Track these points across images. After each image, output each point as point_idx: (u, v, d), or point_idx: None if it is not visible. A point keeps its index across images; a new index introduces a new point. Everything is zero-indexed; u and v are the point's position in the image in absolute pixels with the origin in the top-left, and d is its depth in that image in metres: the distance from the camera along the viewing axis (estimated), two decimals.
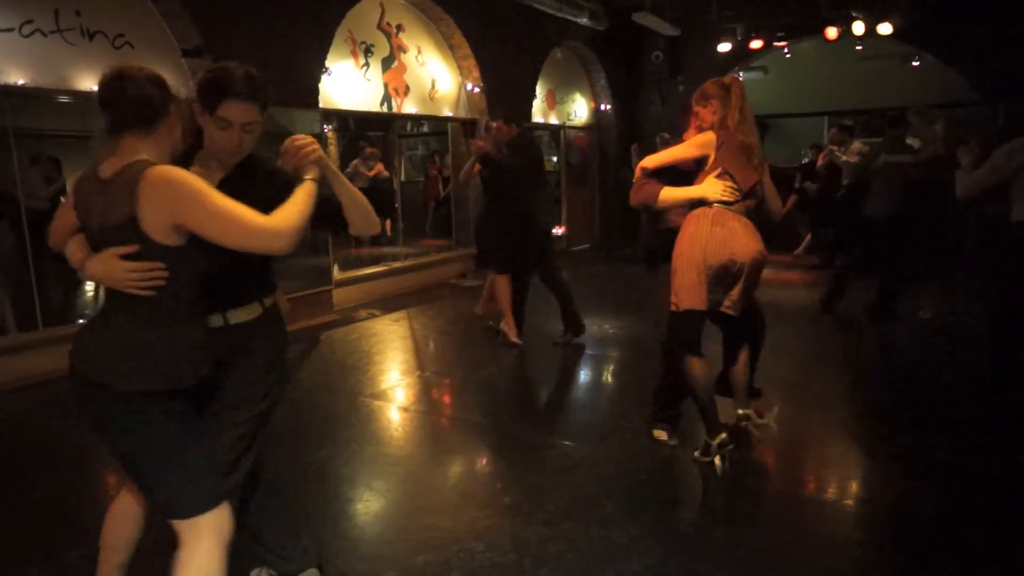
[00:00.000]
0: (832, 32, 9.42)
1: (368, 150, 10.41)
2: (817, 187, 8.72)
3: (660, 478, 3.26)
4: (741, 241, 3.08)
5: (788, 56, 11.26)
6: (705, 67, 11.23)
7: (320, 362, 5.45)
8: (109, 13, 5.32)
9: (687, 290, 3.10)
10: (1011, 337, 4.07)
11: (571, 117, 11.32)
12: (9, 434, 4.08)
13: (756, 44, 10.20)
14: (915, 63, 10.87)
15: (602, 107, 11.75)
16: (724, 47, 10.31)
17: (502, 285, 5.47)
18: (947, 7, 8.96)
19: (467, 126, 8.99)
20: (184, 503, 1.75)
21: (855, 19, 9.22)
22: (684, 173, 3.25)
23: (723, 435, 3.19)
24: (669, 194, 3.19)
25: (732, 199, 3.09)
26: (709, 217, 3.09)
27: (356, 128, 11.86)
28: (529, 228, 5.34)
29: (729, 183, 3.08)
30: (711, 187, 3.09)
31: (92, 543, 2.78)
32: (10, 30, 4.79)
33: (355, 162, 10.34)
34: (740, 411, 3.63)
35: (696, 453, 3.34)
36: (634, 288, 8.10)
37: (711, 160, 3.14)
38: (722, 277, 3.12)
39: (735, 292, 3.18)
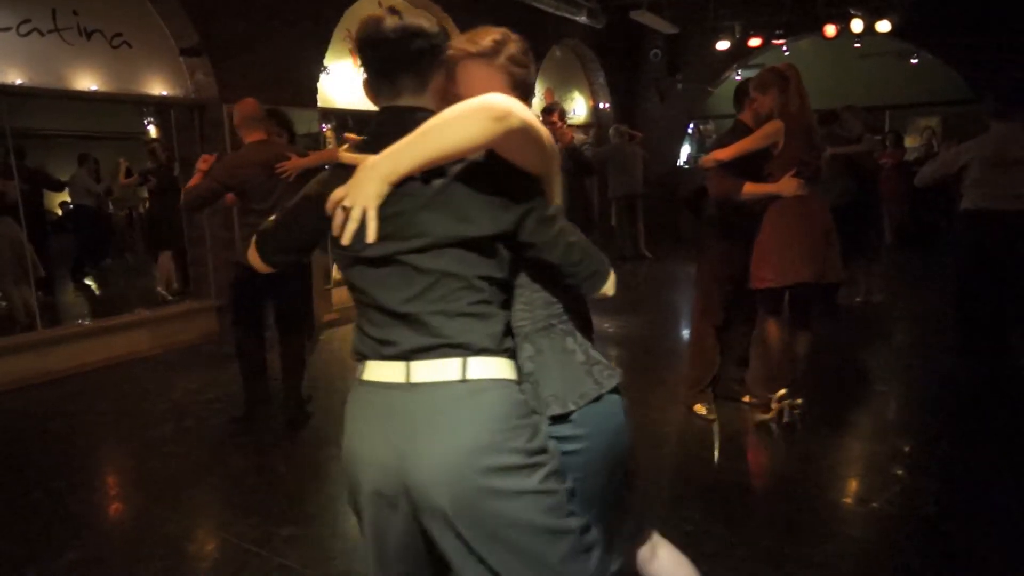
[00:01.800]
0: (831, 30, 9.40)
1: (347, 135, 10.31)
2: None
3: (659, 477, 3.25)
4: (824, 211, 3.45)
5: (787, 54, 11.24)
6: (704, 65, 11.24)
7: (320, 361, 5.44)
8: (107, 12, 5.31)
9: (804, 262, 3.34)
10: (975, 320, 4.43)
11: (570, 115, 11.31)
12: (9, 434, 4.08)
13: (755, 42, 10.19)
14: (914, 61, 10.86)
15: (601, 105, 11.74)
16: (723, 45, 10.30)
17: None
18: (946, 5, 8.96)
19: None
20: None
21: (854, 17, 9.20)
22: (751, 158, 3.46)
23: (784, 390, 3.58)
24: (751, 188, 3.41)
25: (805, 193, 3.35)
26: (798, 200, 3.36)
27: (355, 127, 11.85)
28: None
29: (801, 181, 3.33)
30: (787, 186, 3.35)
31: (91, 543, 2.78)
32: (7, 29, 4.78)
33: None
34: (799, 400, 3.72)
35: (759, 416, 3.68)
36: (632, 287, 8.10)
37: (780, 146, 3.36)
38: (824, 245, 3.40)
39: (833, 258, 3.45)
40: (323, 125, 8.19)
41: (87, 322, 5.75)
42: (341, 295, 7.13)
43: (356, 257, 1.30)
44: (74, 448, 3.81)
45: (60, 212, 10.65)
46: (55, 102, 6.75)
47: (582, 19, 9.70)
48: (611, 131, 9.75)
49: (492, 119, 1.18)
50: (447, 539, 1.27)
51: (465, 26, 6.93)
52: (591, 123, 11.75)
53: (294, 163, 3.71)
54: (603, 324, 6.17)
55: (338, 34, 6.95)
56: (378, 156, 1.23)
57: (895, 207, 8.94)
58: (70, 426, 4.16)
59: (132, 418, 4.22)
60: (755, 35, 10.12)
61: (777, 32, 10.06)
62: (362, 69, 1.39)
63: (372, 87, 1.38)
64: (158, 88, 5.73)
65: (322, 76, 6.77)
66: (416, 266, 1.27)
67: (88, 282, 8.47)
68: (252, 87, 5.99)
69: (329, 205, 1.25)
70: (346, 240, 1.23)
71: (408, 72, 1.34)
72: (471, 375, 1.27)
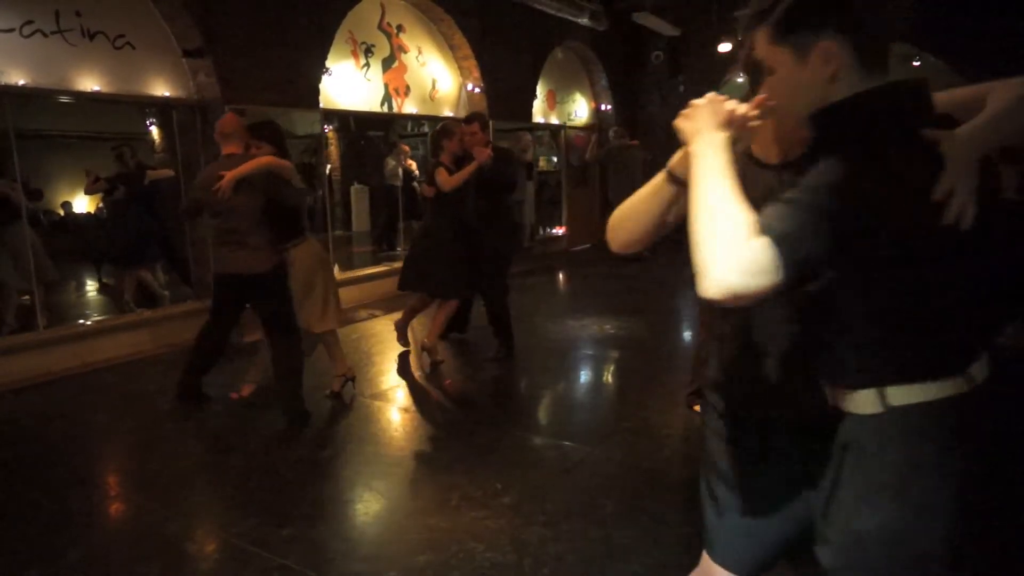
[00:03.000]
0: None
1: (403, 146, 10.23)
2: None
3: (660, 478, 3.26)
4: None
5: None
6: (706, 67, 11.23)
7: (320, 363, 5.44)
8: (110, 13, 5.32)
9: None
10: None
11: (572, 117, 11.32)
12: (10, 434, 4.08)
13: None
14: (916, 63, 10.85)
15: (603, 107, 11.75)
16: (725, 47, 10.30)
17: (449, 309, 5.05)
18: (947, 8, 8.96)
19: None
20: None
21: None
22: None
23: None
24: None
25: None
26: None
27: (356, 128, 11.87)
28: (480, 248, 5.00)
29: None
30: None
31: (92, 543, 2.79)
32: (11, 30, 4.80)
33: (389, 159, 10.24)
34: None
35: None
36: (633, 289, 8.10)
37: None
38: None
39: None
40: (325, 126, 8.21)
41: (88, 322, 5.75)
42: (341, 296, 7.12)
43: (937, 255, 1.11)
44: (75, 448, 3.81)
45: (62, 212, 10.69)
46: (58, 103, 6.76)
47: (584, 21, 9.72)
48: (611, 133, 9.72)
49: None
50: None
51: (466, 27, 7.01)
52: (592, 125, 11.76)
53: (227, 177, 3.74)
54: (604, 326, 6.18)
55: (340, 36, 6.97)
56: (959, 135, 1.11)
57: None
58: (71, 426, 4.17)
59: (133, 418, 4.23)
60: None
61: None
62: (854, 42, 1.13)
63: (863, 62, 1.15)
64: (160, 89, 5.74)
65: (325, 77, 6.78)
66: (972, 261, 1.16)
67: (106, 281, 8.40)
68: (254, 88, 6.01)
69: (942, 190, 1.08)
70: (965, 225, 1.09)
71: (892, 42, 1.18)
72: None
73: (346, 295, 7.23)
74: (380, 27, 7.75)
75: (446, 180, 4.72)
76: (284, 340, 4.00)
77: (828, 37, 1.12)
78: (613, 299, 7.57)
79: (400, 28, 7.99)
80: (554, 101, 10.86)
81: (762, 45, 1.19)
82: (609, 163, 9.48)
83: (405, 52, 8.07)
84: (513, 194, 5.21)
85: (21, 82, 4.88)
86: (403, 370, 5.14)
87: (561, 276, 9.24)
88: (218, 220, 3.93)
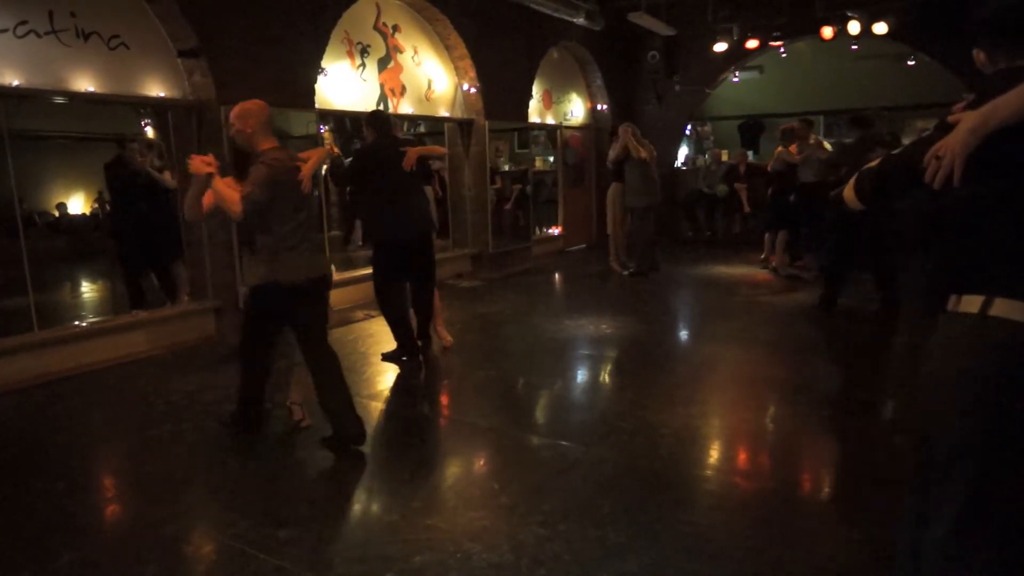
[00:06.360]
0: (828, 32, 9.43)
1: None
2: (772, 190, 8.83)
3: (656, 478, 3.26)
4: None
5: (784, 56, 11.27)
6: (701, 67, 11.25)
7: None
8: (104, 14, 5.30)
9: None
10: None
11: (568, 117, 11.32)
12: (6, 436, 4.06)
13: (752, 44, 10.20)
14: (911, 63, 10.88)
15: (599, 107, 11.75)
16: (720, 47, 10.31)
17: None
18: (942, 7, 8.98)
19: (463, 126, 8.99)
20: None
21: (851, 19, 9.23)
22: None
23: None
24: None
25: None
26: None
27: (352, 129, 11.86)
28: (397, 238, 5.03)
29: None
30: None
31: (88, 546, 2.78)
32: (4, 31, 4.78)
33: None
34: None
35: None
36: (630, 289, 8.10)
37: None
38: None
39: None
40: (321, 127, 8.20)
41: (84, 323, 5.73)
42: (338, 296, 7.11)
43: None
44: (71, 450, 3.80)
45: (57, 213, 10.65)
46: (52, 104, 6.73)
47: (580, 21, 9.71)
48: (624, 130, 8.41)
49: None
50: None
51: (463, 28, 7.06)
52: (588, 124, 11.76)
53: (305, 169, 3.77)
54: (600, 325, 6.18)
55: (336, 36, 6.95)
56: (973, 112, 1.39)
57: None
58: (67, 428, 4.15)
59: (129, 420, 4.21)
60: (752, 37, 10.13)
61: (774, 34, 10.08)
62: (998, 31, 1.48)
63: (990, 50, 1.51)
64: (155, 90, 5.72)
65: (320, 78, 6.76)
66: None
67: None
68: (250, 89, 5.97)
69: (927, 157, 1.45)
70: (936, 185, 1.43)
71: None
72: None
73: (343, 296, 7.24)
74: (376, 27, 7.74)
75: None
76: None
77: None
78: (609, 299, 7.58)
79: (396, 28, 7.98)
80: (550, 101, 10.86)
81: None
82: (630, 169, 8.78)
83: (401, 52, 8.06)
84: (381, 182, 4.99)
85: (15, 83, 4.86)
86: (400, 371, 5.14)
87: (557, 276, 9.24)
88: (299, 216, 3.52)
